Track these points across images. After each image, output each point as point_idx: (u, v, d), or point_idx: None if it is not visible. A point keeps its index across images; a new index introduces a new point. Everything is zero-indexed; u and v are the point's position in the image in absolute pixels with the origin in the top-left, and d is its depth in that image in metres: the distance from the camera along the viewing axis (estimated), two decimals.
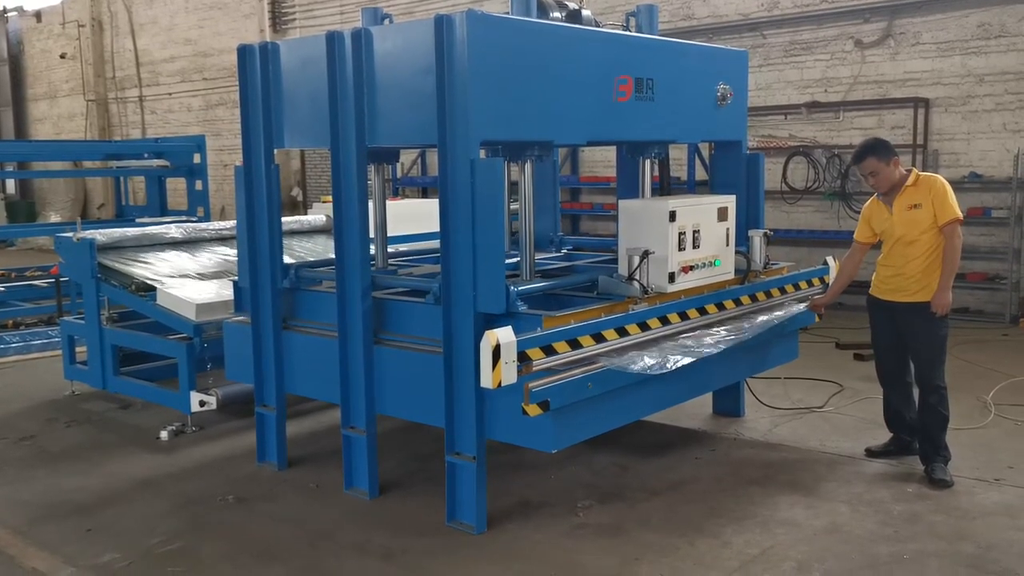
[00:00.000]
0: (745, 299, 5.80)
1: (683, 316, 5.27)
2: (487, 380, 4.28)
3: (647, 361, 4.73)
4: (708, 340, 5.14)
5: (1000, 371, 7.88)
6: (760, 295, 5.93)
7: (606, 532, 4.85)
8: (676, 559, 4.51)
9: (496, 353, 4.22)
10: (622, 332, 4.86)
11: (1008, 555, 4.49)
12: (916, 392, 5.64)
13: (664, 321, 5.13)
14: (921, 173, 5.54)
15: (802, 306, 6.10)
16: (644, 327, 5.00)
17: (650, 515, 5.05)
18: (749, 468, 5.75)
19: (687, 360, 4.86)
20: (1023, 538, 4.67)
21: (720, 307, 5.57)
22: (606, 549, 4.64)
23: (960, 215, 5.39)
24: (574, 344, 4.58)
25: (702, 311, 5.42)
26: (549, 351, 4.46)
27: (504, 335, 4.25)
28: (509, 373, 4.26)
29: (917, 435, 5.67)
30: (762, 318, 5.67)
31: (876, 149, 5.48)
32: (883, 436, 5.96)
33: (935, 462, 5.46)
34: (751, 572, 4.37)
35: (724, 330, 5.33)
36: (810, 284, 6.38)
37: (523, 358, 4.32)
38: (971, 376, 7.76)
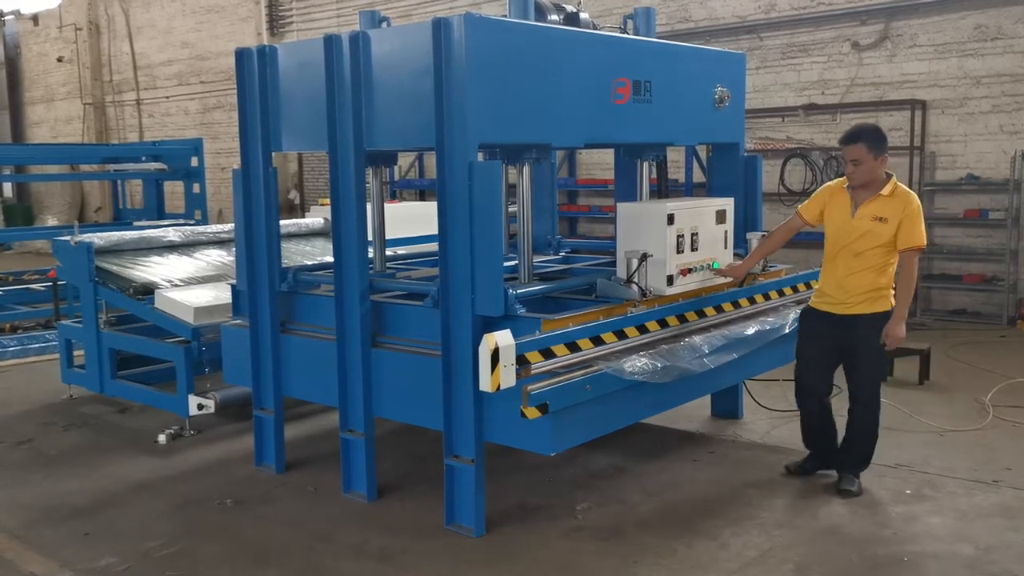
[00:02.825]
0: (743, 301, 5.80)
1: (681, 319, 5.28)
2: (486, 383, 4.27)
3: (645, 365, 4.74)
4: (706, 353, 5.14)
5: (998, 372, 7.88)
6: (758, 297, 5.94)
7: (604, 534, 4.84)
8: (674, 561, 4.51)
9: (495, 356, 4.20)
10: (621, 335, 4.86)
11: (1006, 556, 4.49)
12: (849, 402, 5.42)
13: (663, 324, 5.13)
14: (899, 185, 5.15)
15: (799, 309, 6.10)
16: (643, 330, 5.01)
17: (648, 517, 5.05)
18: (747, 470, 5.75)
19: (685, 372, 4.87)
20: (1021, 539, 4.68)
21: (718, 310, 5.58)
22: (604, 551, 4.64)
23: (924, 243, 5.08)
24: (573, 347, 4.58)
25: (700, 314, 5.42)
26: (548, 354, 4.45)
27: (503, 338, 4.24)
28: (508, 376, 4.25)
29: (843, 444, 5.45)
30: (756, 328, 5.65)
31: (870, 137, 5.10)
32: (881, 437, 5.93)
33: (850, 472, 5.32)
34: (750, 574, 4.37)
35: (721, 337, 5.33)
36: (808, 287, 6.39)
37: (521, 361, 4.31)
38: (969, 378, 7.77)
